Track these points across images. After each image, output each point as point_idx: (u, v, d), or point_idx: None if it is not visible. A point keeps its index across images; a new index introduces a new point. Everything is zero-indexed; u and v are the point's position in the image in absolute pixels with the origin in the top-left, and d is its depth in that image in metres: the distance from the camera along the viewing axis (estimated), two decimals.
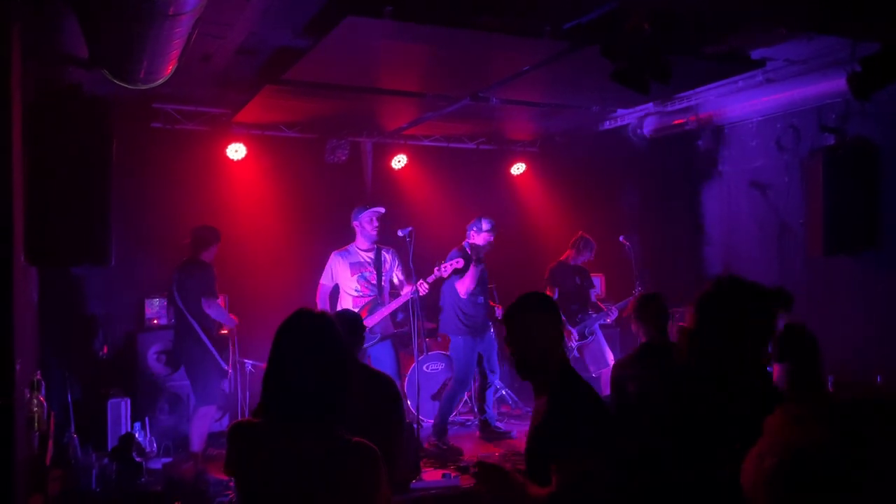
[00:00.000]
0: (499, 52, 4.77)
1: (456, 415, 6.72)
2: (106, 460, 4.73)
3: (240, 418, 2.09)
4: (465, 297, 6.00)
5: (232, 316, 5.68)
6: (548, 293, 6.43)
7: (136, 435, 5.16)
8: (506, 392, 7.09)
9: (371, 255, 5.74)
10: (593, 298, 6.67)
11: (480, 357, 6.23)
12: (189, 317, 5.30)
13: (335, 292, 5.82)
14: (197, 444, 5.29)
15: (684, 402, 1.91)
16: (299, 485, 1.89)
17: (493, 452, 5.72)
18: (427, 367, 6.70)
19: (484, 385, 6.30)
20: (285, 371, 1.96)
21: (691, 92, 6.28)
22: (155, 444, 5.60)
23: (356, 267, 5.72)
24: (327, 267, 5.80)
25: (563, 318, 6.24)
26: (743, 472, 1.10)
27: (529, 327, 2.30)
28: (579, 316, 6.42)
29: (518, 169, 8.10)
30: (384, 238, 5.84)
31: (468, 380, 6.14)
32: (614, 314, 6.47)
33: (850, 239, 5.35)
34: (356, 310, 5.62)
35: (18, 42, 2.99)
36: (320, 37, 4.30)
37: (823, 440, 1.01)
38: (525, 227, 7.96)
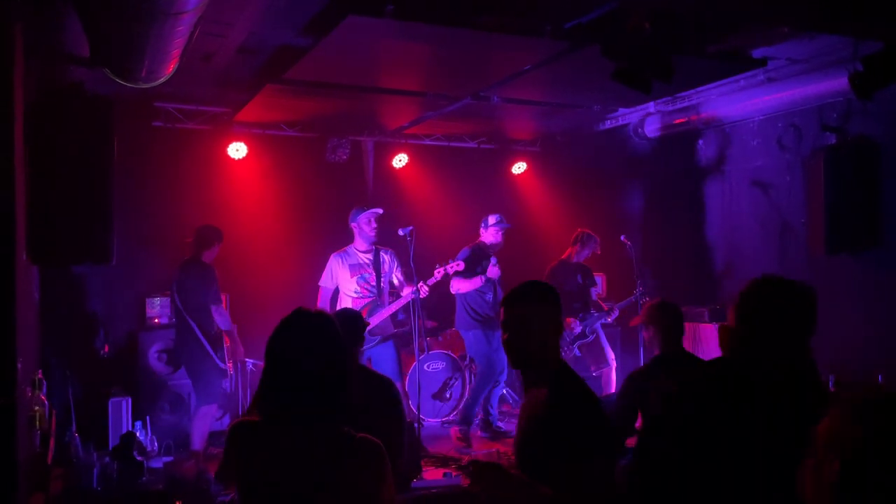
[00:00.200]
0: (500, 52, 4.77)
1: (457, 414, 6.72)
2: (107, 459, 4.73)
3: (240, 418, 2.07)
4: (471, 291, 6.04)
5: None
6: None
7: (138, 434, 5.16)
8: (506, 391, 7.09)
9: (370, 256, 5.73)
10: (594, 297, 6.66)
11: None
12: (187, 316, 5.31)
13: (336, 294, 5.82)
14: (198, 442, 5.30)
15: (730, 400, 1.85)
16: (306, 482, 1.89)
17: (495, 450, 5.72)
18: (428, 367, 6.70)
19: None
20: (288, 370, 1.96)
21: (692, 91, 6.28)
22: (156, 443, 5.60)
23: (355, 268, 5.71)
24: (327, 269, 5.78)
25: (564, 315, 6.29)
26: (802, 486, 1.07)
27: (529, 318, 2.23)
28: (580, 315, 6.41)
29: (519, 168, 8.10)
30: (383, 238, 5.83)
31: (491, 373, 6.08)
32: (616, 313, 6.46)
33: (852, 238, 5.34)
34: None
35: (20, 41, 2.99)
36: (321, 36, 4.30)
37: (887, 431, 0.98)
38: (526, 226, 7.95)
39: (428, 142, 7.67)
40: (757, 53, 5.18)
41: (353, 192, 7.31)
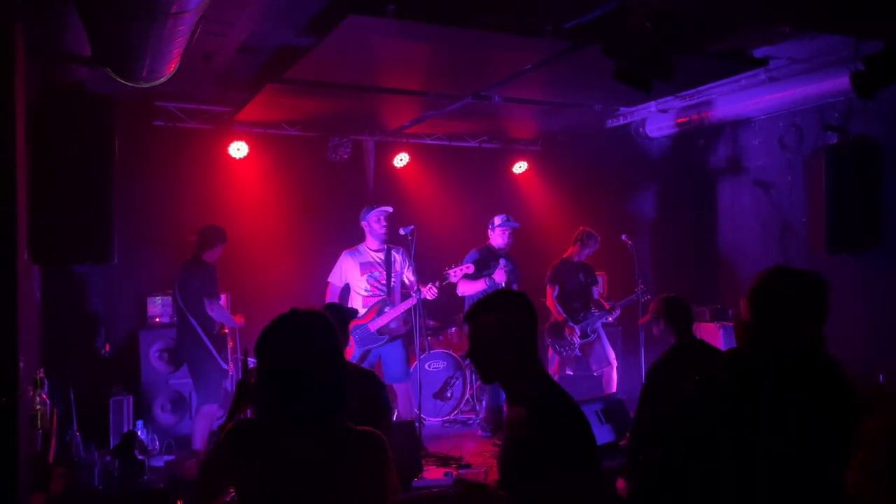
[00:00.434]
0: (500, 51, 4.77)
1: (457, 413, 6.73)
2: (108, 458, 4.73)
3: (235, 420, 2.07)
4: (477, 293, 6.05)
5: (237, 318, 5.70)
6: (549, 292, 6.42)
7: (139, 433, 5.16)
8: None
9: (381, 254, 5.71)
10: (596, 296, 6.64)
11: None
12: (189, 316, 5.32)
13: (345, 292, 5.80)
14: (199, 442, 5.31)
15: (751, 385, 1.83)
16: (310, 481, 1.90)
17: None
18: (429, 366, 6.70)
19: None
20: (283, 370, 1.96)
21: (693, 91, 6.27)
22: (157, 442, 5.61)
23: (366, 267, 5.70)
24: (336, 266, 5.77)
25: (565, 315, 6.27)
26: (854, 486, 1.08)
27: (492, 331, 2.11)
28: (581, 314, 6.40)
29: (520, 167, 8.11)
30: (392, 237, 5.82)
31: None
32: (617, 312, 6.45)
33: (853, 238, 5.34)
34: (365, 309, 5.65)
35: (21, 41, 3.00)
36: (322, 35, 4.30)
37: None
38: (527, 225, 7.94)
39: (429, 141, 7.68)
40: (758, 53, 5.17)
41: (353, 191, 7.31)
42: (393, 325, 5.63)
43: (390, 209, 5.70)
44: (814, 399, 1.81)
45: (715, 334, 6.30)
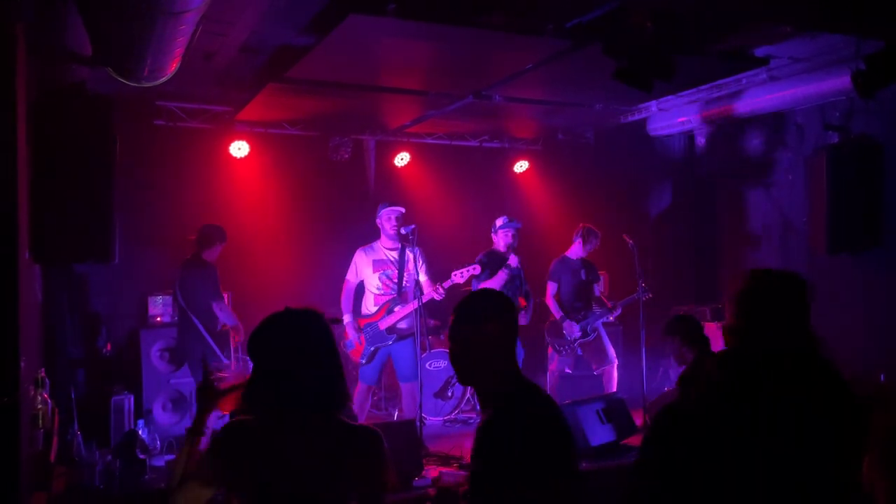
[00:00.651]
0: (501, 51, 4.77)
1: (458, 412, 6.73)
2: (109, 457, 4.74)
3: (232, 420, 2.07)
4: None
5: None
6: (548, 289, 6.40)
7: (140, 432, 5.16)
8: None
9: (395, 253, 5.69)
10: (598, 293, 6.60)
11: None
12: (191, 314, 5.33)
13: (360, 289, 5.79)
14: (201, 441, 5.31)
15: (751, 385, 1.81)
16: (307, 478, 1.90)
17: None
18: (430, 365, 6.70)
19: None
20: (282, 368, 1.96)
21: (694, 90, 6.27)
22: (158, 442, 5.61)
23: (378, 264, 5.69)
24: (352, 263, 5.76)
25: (561, 314, 6.24)
26: (867, 476, 1.09)
27: (473, 338, 2.05)
28: (581, 313, 6.39)
29: (521, 167, 8.10)
30: (424, 234, 5.78)
31: None
32: (618, 311, 6.41)
33: (854, 237, 5.33)
34: (376, 308, 5.65)
35: (22, 41, 3.00)
36: (323, 35, 4.30)
37: None
38: (527, 224, 7.94)
39: (430, 140, 7.67)
40: (760, 52, 5.17)
41: (354, 190, 7.31)
42: (401, 325, 5.62)
43: (401, 210, 5.63)
44: (814, 399, 1.80)
45: (715, 334, 6.30)
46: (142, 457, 4.82)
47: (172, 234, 6.18)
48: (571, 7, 4.06)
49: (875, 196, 5.36)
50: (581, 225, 6.53)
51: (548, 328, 6.46)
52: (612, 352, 6.40)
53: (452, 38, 4.37)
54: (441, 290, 5.56)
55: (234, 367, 5.74)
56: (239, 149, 6.66)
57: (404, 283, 5.67)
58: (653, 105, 6.83)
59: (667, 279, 6.91)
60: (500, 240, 6.12)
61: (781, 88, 5.76)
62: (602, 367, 6.38)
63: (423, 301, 5.50)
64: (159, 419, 5.92)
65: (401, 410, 6.26)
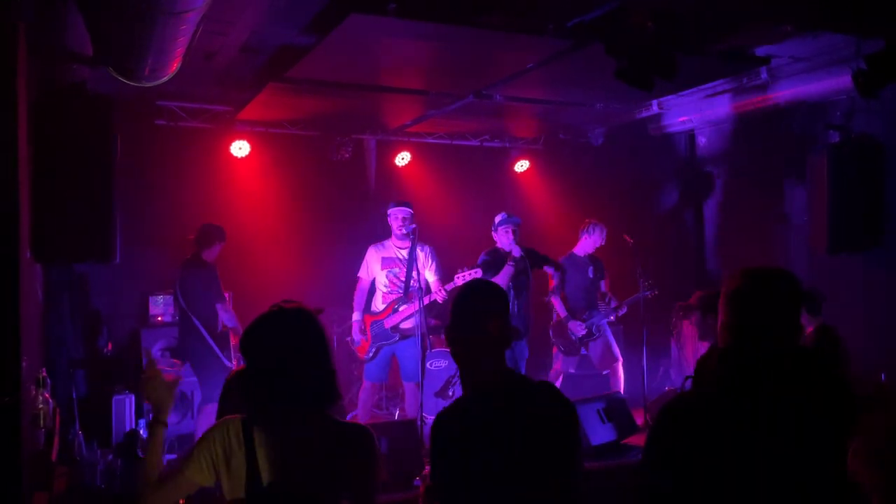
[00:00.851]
0: (502, 50, 4.77)
1: None
2: (111, 457, 4.74)
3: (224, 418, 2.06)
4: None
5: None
6: (553, 287, 6.35)
7: (141, 432, 5.16)
8: None
9: (404, 251, 5.68)
10: (604, 289, 6.52)
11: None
12: (191, 315, 5.33)
13: (373, 287, 5.79)
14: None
15: (750, 381, 1.82)
16: (299, 475, 1.91)
17: None
18: (431, 365, 6.70)
19: None
20: (274, 366, 1.96)
21: (695, 90, 6.26)
22: None
23: (387, 262, 5.69)
24: (364, 260, 5.77)
25: (566, 314, 6.21)
26: (853, 462, 1.11)
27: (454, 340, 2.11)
28: (586, 313, 6.35)
29: (522, 166, 8.11)
30: (424, 233, 5.77)
31: None
32: (624, 310, 6.35)
33: (855, 237, 5.33)
34: (384, 305, 5.65)
35: (23, 40, 3.00)
36: (324, 34, 4.30)
37: None
38: (528, 224, 7.95)
39: (430, 140, 7.67)
40: (760, 51, 5.17)
41: (355, 190, 7.32)
42: (405, 325, 5.62)
43: (408, 210, 5.61)
44: (814, 399, 1.81)
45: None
46: (143, 456, 4.81)
47: (173, 234, 6.18)
48: (572, 7, 4.05)
49: (876, 196, 5.36)
50: (586, 221, 6.47)
51: (553, 328, 6.44)
52: (617, 350, 6.36)
53: (453, 37, 4.37)
54: (443, 293, 5.55)
55: (236, 367, 5.74)
56: (240, 148, 6.66)
57: (412, 281, 5.67)
58: (654, 105, 6.82)
59: (667, 279, 6.90)
60: (501, 238, 6.07)
61: (782, 87, 5.76)
62: (608, 367, 6.35)
63: (426, 302, 5.50)
64: None
65: (403, 410, 6.26)
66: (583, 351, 6.32)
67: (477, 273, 5.64)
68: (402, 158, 7.49)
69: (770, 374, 1.82)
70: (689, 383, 3.72)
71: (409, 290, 5.64)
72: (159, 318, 6.27)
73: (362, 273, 5.77)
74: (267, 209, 6.92)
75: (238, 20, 4.24)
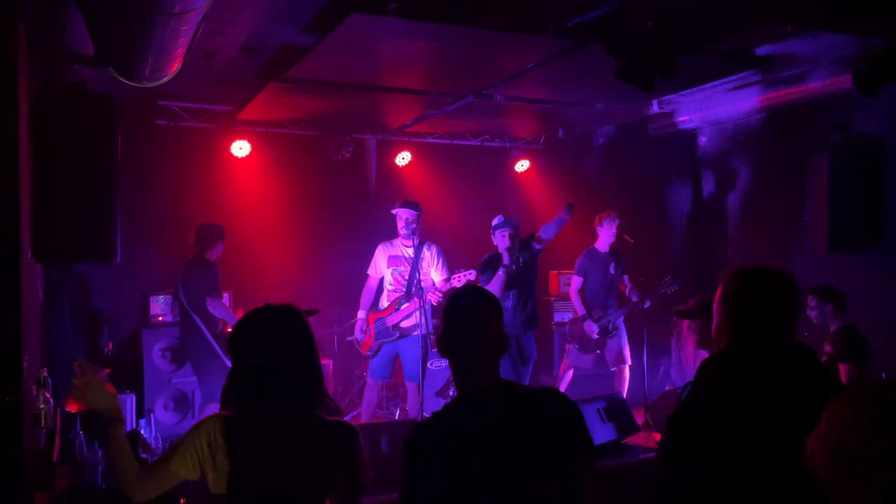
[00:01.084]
0: (502, 50, 4.77)
1: None
2: None
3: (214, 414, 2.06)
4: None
5: (238, 313, 5.70)
6: (573, 283, 6.30)
7: (142, 431, 5.17)
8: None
9: (410, 250, 5.69)
10: (626, 281, 6.38)
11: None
12: (193, 314, 5.33)
13: (381, 285, 5.79)
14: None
15: (749, 380, 1.81)
16: (285, 472, 1.92)
17: None
18: (431, 364, 6.70)
19: None
20: (262, 363, 1.97)
21: (696, 90, 6.26)
22: (160, 441, 5.62)
23: (393, 260, 5.72)
24: (373, 258, 5.80)
25: (583, 312, 6.16)
26: (812, 455, 1.12)
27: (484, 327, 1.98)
28: (601, 312, 6.28)
29: (522, 166, 8.11)
30: (426, 233, 5.80)
31: (514, 376, 5.66)
32: (647, 304, 6.13)
33: (855, 236, 5.33)
34: (388, 303, 5.67)
35: (24, 40, 3.00)
36: (324, 34, 4.30)
37: None
38: (528, 224, 7.95)
39: (431, 140, 7.68)
40: (761, 51, 5.17)
41: (355, 190, 7.32)
42: (405, 323, 5.63)
43: (412, 214, 5.59)
44: (814, 399, 1.81)
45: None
46: (144, 456, 4.82)
47: (174, 234, 6.19)
48: (572, 7, 4.06)
49: (876, 195, 5.36)
50: (598, 215, 6.38)
51: (570, 326, 6.41)
52: (627, 353, 6.30)
53: (453, 37, 4.37)
54: (439, 294, 5.56)
55: None
56: (240, 148, 6.67)
57: (416, 280, 5.66)
58: (655, 105, 6.81)
59: (667, 278, 6.89)
60: (499, 240, 5.98)
61: (782, 87, 5.75)
62: (617, 366, 6.31)
63: (414, 308, 5.50)
64: (161, 419, 5.92)
65: (404, 409, 6.27)
66: (598, 349, 6.29)
67: (471, 274, 5.60)
68: (403, 158, 7.49)
69: (770, 374, 1.82)
70: (688, 390, 3.70)
71: (411, 289, 5.64)
72: (160, 318, 6.27)
73: (371, 270, 5.79)
74: (267, 209, 6.92)
75: (238, 20, 4.25)
